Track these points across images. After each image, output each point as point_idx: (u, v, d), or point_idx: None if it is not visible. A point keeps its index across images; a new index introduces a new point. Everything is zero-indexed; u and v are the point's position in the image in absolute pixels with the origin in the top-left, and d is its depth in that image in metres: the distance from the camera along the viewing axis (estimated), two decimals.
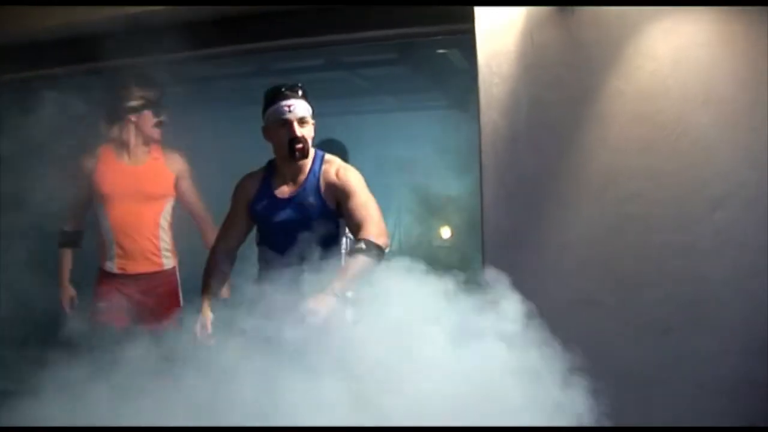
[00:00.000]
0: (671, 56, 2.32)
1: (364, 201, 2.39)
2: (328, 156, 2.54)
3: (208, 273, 2.53)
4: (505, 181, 2.50)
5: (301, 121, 2.43)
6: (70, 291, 3.08)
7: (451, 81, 4.21)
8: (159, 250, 3.07)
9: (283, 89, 2.44)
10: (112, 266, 3.03)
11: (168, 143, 3.15)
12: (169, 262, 3.10)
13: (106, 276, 3.05)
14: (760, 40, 2.25)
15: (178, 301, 3.08)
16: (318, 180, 2.48)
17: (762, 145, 2.24)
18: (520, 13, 2.47)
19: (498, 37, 2.49)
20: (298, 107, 2.43)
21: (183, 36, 2.86)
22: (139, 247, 3.02)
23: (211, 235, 3.01)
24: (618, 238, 2.38)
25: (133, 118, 3.00)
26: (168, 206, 3.11)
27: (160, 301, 3.00)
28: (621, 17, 2.36)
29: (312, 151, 2.51)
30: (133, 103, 2.99)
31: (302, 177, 2.50)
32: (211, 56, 3.24)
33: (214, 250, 2.60)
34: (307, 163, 2.50)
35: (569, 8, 2.40)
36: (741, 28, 2.26)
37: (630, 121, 2.36)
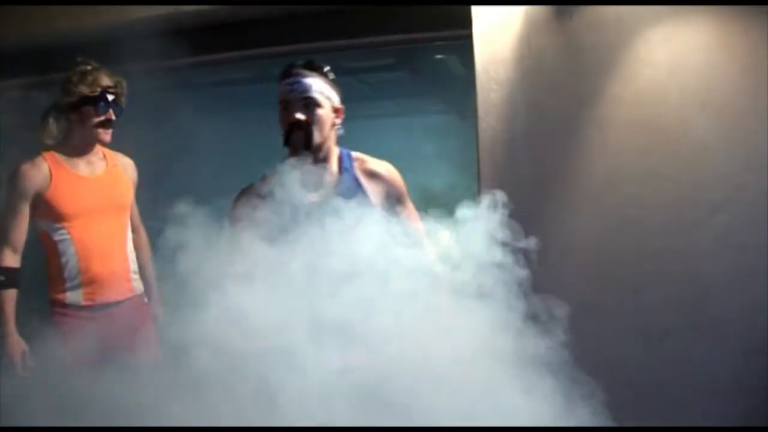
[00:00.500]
0: (669, 61, 2.33)
1: (413, 210, 2.12)
2: (355, 153, 2.14)
3: None
4: (503, 186, 2.50)
5: (307, 103, 1.99)
6: (21, 344, 2.40)
7: (449, 86, 4.22)
8: (129, 272, 2.59)
9: (292, 65, 2.05)
10: (78, 298, 2.46)
11: (121, 146, 2.69)
12: (138, 285, 2.63)
13: (67, 311, 2.47)
14: (757, 45, 2.25)
15: (153, 331, 2.60)
16: (356, 178, 2.07)
17: (760, 149, 2.24)
18: (517, 18, 2.47)
19: (495, 42, 2.49)
20: (304, 84, 2.00)
21: (181, 42, 2.86)
22: (110, 270, 2.51)
23: (148, 252, 2.73)
24: (617, 242, 2.38)
25: (73, 116, 2.50)
26: (129, 220, 2.66)
27: (135, 333, 2.52)
28: (618, 22, 2.37)
29: (336, 150, 2.09)
30: (71, 99, 2.48)
31: (331, 180, 2.05)
32: (210, 63, 3.25)
33: None
34: (332, 162, 2.07)
35: (567, 11, 2.41)
36: (738, 33, 2.27)
37: (628, 126, 2.36)
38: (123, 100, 2.56)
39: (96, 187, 2.55)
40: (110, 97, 2.50)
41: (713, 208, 2.28)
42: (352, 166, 2.07)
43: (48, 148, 2.52)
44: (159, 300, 2.69)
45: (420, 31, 2.81)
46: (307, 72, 2.02)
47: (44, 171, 2.47)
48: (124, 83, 2.56)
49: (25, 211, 2.46)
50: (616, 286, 2.38)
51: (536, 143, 2.47)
